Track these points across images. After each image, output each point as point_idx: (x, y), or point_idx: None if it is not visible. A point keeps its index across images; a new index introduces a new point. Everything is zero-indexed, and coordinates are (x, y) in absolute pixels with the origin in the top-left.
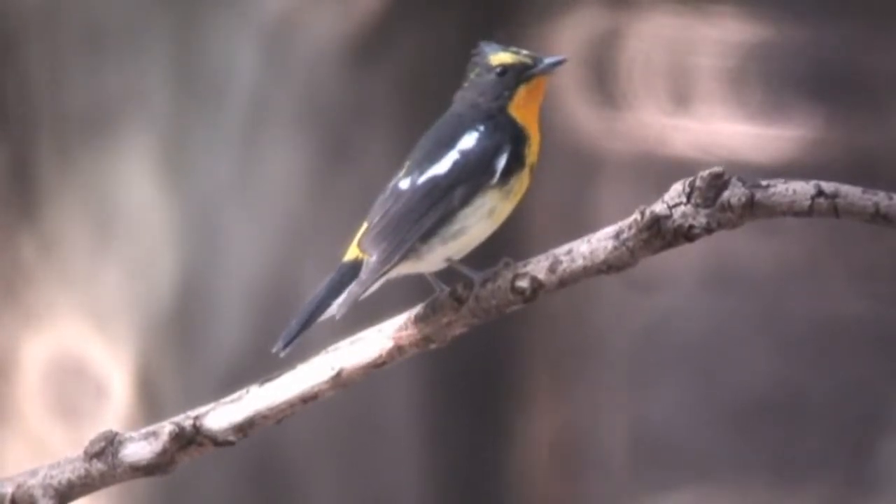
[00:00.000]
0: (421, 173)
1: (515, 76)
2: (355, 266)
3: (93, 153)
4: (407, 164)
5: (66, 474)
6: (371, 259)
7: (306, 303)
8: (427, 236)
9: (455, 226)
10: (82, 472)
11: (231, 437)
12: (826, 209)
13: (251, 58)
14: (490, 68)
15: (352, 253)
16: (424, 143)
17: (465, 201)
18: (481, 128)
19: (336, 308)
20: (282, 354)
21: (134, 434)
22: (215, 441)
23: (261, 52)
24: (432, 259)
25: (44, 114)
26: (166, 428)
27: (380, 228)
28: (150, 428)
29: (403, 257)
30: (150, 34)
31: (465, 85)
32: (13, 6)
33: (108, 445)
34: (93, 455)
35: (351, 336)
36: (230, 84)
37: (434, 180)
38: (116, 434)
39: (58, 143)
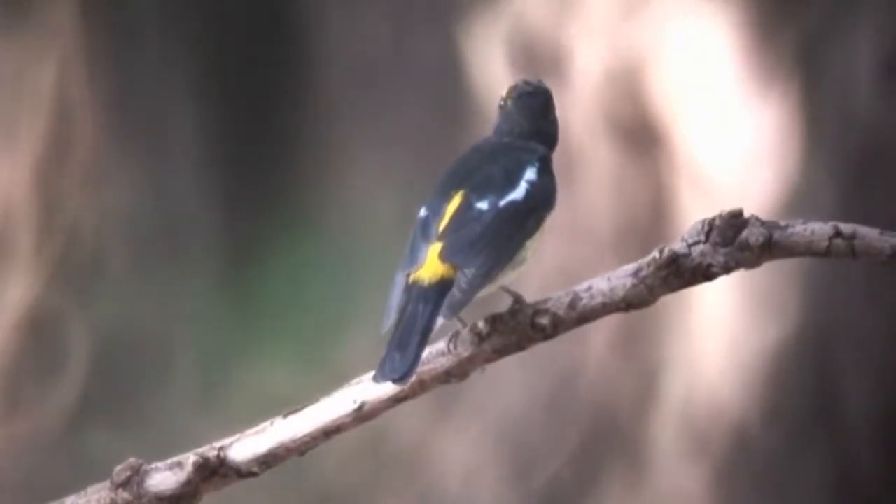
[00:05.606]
0: (498, 197)
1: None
2: (442, 284)
3: None
4: (462, 189)
5: (92, 503)
6: (469, 270)
7: (404, 328)
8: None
9: (524, 253)
10: (108, 501)
11: (255, 469)
12: (844, 250)
13: None
14: (552, 107)
15: (426, 273)
16: (478, 168)
17: (533, 231)
18: (537, 163)
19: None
20: (405, 385)
21: (160, 464)
22: (239, 472)
23: None
24: (499, 282)
25: None
26: (190, 458)
27: (470, 243)
28: (175, 458)
29: (502, 271)
30: None
31: (526, 121)
32: None
33: (133, 475)
34: (119, 484)
35: (373, 369)
36: None
37: (514, 205)
38: (142, 463)
39: None
